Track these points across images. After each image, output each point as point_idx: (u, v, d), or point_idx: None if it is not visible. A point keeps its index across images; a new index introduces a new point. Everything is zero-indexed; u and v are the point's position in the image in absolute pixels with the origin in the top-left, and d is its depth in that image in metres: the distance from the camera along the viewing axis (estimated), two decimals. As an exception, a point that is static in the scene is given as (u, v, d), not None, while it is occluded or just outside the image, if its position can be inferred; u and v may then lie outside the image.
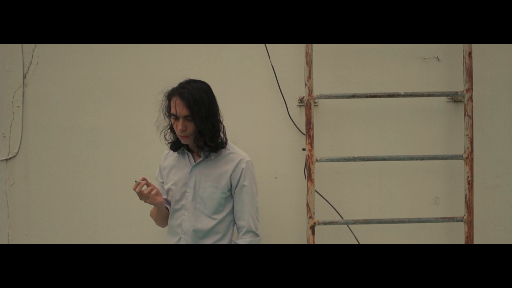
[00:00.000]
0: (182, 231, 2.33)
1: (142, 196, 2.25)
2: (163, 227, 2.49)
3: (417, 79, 2.76)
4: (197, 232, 2.30)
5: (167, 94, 2.27)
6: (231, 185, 2.31)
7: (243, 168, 2.31)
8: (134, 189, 2.23)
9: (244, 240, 2.30)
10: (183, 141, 2.28)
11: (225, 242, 2.31)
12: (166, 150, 2.46)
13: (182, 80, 2.91)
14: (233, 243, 2.34)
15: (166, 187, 2.41)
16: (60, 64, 2.83)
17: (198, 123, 2.20)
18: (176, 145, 2.35)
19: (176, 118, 2.22)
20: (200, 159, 2.33)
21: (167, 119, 2.32)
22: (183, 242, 2.32)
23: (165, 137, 2.37)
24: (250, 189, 2.32)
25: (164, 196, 2.41)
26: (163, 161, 2.46)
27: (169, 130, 2.35)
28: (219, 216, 2.31)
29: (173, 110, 2.22)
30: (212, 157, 2.32)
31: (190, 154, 2.35)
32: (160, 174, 2.46)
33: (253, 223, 2.32)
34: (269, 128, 2.79)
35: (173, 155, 2.41)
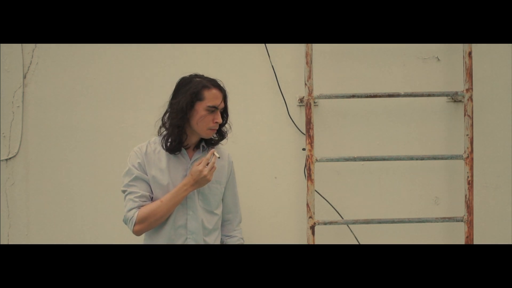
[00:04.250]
0: (188, 231, 2.20)
1: (209, 173, 2.12)
2: (153, 228, 2.20)
3: (417, 79, 2.76)
4: (204, 230, 2.23)
5: (196, 87, 2.12)
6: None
7: (231, 161, 2.35)
8: (212, 163, 2.13)
9: (239, 231, 2.37)
10: (209, 135, 2.19)
11: (219, 237, 2.32)
12: (139, 147, 2.23)
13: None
14: (226, 236, 2.36)
15: (156, 187, 2.20)
16: (60, 64, 2.83)
17: (227, 115, 2.24)
18: (179, 145, 2.18)
19: (213, 110, 2.14)
20: (197, 156, 2.23)
21: (175, 115, 2.14)
22: (190, 242, 2.20)
23: (169, 137, 2.17)
24: (235, 181, 2.38)
25: (149, 193, 2.20)
26: (144, 158, 2.20)
27: (176, 128, 2.15)
28: (219, 211, 2.30)
29: (212, 102, 2.13)
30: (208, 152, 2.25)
31: (185, 151, 2.23)
32: (144, 171, 2.20)
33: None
34: (269, 128, 2.79)
35: (157, 153, 2.22)
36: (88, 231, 2.83)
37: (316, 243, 2.64)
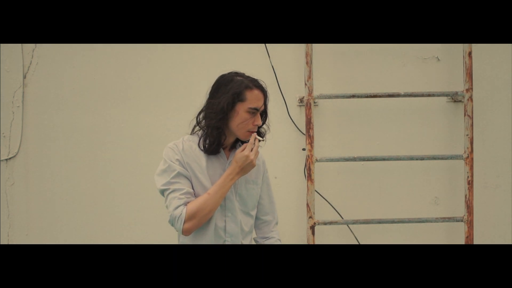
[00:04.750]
0: (227, 233, 2.08)
1: (254, 158, 2.03)
2: (201, 224, 2.05)
3: (417, 79, 2.76)
4: (242, 232, 2.12)
5: (238, 87, 2.02)
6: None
7: (264, 160, 2.25)
8: (256, 148, 2.04)
9: (276, 232, 2.23)
10: (247, 137, 2.07)
11: (252, 240, 2.21)
12: (175, 144, 2.09)
13: (183, 79, 2.91)
14: (263, 238, 2.24)
15: (197, 186, 2.07)
16: (60, 64, 2.83)
17: (266, 115, 2.14)
18: (218, 147, 2.06)
19: (254, 112, 2.04)
20: (233, 156, 2.10)
21: (211, 116, 2.03)
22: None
23: (207, 138, 2.06)
24: (269, 181, 2.27)
25: (192, 190, 2.07)
26: (183, 155, 2.06)
27: (216, 130, 2.03)
28: (254, 213, 2.19)
29: (254, 104, 2.03)
30: None
31: (222, 151, 2.10)
32: (184, 167, 2.05)
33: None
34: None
35: (194, 151, 2.08)
36: (88, 231, 2.83)
37: (316, 243, 2.64)
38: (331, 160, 2.65)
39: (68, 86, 2.83)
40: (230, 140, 2.11)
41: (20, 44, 2.82)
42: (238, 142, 2.15)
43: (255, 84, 2.06)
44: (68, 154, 2.83)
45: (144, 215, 2.81)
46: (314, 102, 2.67)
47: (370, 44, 2.72)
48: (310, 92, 2.60)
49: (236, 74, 2.09)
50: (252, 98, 2.03)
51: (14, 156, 2.84)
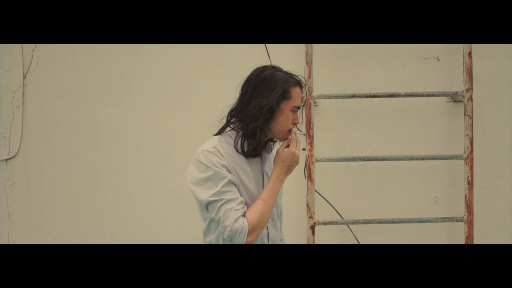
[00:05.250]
0: (270, 240, 1.94)
1: (299, 154, 1.88)
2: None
3: (417, 79, 2.76)
4: (277, 239, 1.99)
5: (284, 84, 1.86)
6: None
7: None
8: (299, 142, 1.89)
9: (282, 233, 2.10)
10: (285, 136, 1.91)
11: None
12: (215, 147, 1.85)
13: (183, 79, 2.91)
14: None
15: (245, 194, 1.89)
16: (60, 64, 2.83)
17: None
18: (261, 149, 1.90)
19: (296, 111, 1.89)
20: (266, 156, 1.96)
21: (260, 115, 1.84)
22: None
23: (249, 139, 1.87)
24: None
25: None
26: (229, 161, 1.85)
27: (262, 131, 1.86)
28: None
29: (297, 102, 1.87)
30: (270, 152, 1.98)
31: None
32: (233, 174, 1.85)
33: None
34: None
35: (231, 155, 1.86)
36: (88, 231, 2.83)
37: (316, 243, 2.64)
38: (331, 160, 2.65)
39: (68, 86, 2.83)
40: (265, 140, 1.94)
41: (20, 44, 2.82)
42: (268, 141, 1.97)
43: (297, 80, 1.91)
44: (68, 154, 2.83)
45: (144, 215, 2.81)
46: (314, 102, 2.67)
47: (370, 44, 2.72)
48: (310, 92, 2.60)
49: (275, 68, 1.91)
50: (296, 96, 1.89)
51: (14, 156, 2.84)
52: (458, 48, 2.70)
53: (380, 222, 2.65)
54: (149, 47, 2.80)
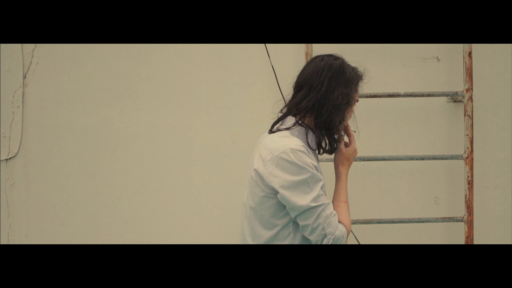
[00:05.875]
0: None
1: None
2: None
3: (417, 79, 2.76)
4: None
5: (355, 77, 1.78)
6: None
7: None
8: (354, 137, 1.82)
9: None
10: (343, 131, 1.86)
11: None
12: (302, 146, 1.74)
13: (183, 79, 2.91)
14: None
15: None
16: (60, 64, 2.83)
17: None
18: (337, 144, 1.82)
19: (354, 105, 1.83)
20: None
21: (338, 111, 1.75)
22: None
23: (330, 135, 1.77)
24: None
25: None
26: (314, 160, 1.75)
27: (342, 126, 1.80)
28: None
29: (358, 96, 1.81)
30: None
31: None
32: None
33: None
34: (269, 128, 2.78)
35: (308, 153, 1.74)
36: (88, 231, 2.83)
37: (316, 243, 2.64)
38: (331, 160, 2.64)
39: (68, 86, 2.83)
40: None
41: (20, 44, 2.82)
42: None
43: (359, 73, 1.83)
44: (68, 154, 2.83)
45: (144, 215, 2.81)
46: (314, 102, 2.67)
47: (370, 44, 2.72)
48: (310, 92, 2.60)
49: (337, 58, 1.81)
50: (359, 90, 1.83)
51: (14, 156, 2.84)
52: (458, 48, 2.70)
53: (380, 222, 2.65)
54: (149, 47, 2.80)
